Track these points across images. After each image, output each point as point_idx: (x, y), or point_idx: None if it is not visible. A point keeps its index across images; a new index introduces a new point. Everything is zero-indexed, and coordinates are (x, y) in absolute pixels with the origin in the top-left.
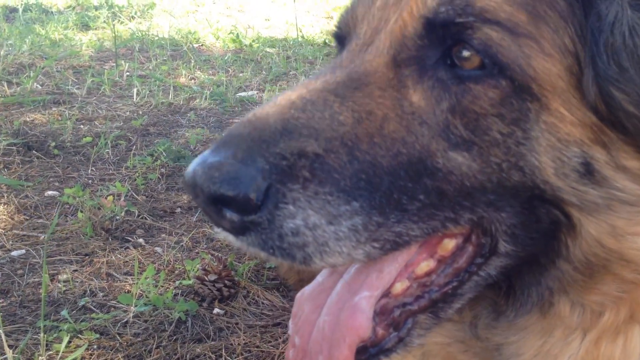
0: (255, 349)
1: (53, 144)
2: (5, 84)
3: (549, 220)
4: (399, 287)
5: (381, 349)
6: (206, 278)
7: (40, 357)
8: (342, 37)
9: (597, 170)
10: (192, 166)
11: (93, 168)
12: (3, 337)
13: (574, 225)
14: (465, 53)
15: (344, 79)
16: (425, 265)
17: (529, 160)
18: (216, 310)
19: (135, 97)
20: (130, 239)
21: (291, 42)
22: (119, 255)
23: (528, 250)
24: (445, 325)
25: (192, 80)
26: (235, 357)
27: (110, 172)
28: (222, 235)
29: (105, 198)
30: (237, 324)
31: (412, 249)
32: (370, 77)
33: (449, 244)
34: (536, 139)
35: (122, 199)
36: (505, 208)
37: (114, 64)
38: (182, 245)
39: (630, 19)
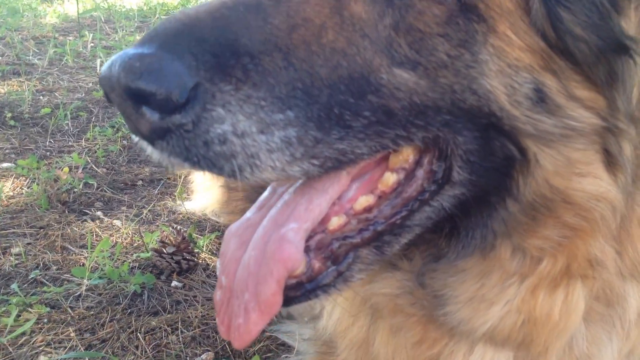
0: (212, 321)
1: (9, 115)
2: None
3: (503, 155)
4: (335, 222)
5: (318, 284)
6: (164, 251)
7: None
8: None
9: (549, 98)
10: (111, 59)
11: (51, 140)
12: None
13: (529, 161)
14: None
15: None
16: (365, 200)
17: (482, 84)
18: (174, 283)
19: (98, 68)
20: (88, 211)
21: None
22: (75, 229)
23: (481, 182)
24: (394, 275)
25: None
26: (192, 330)
27: (70, 143)
28: (141, 144)
29: (62, 170)
30: (195, 296)
31: (342, 181)
32: None
33: (390, 179)
34: (485, 63)
35: (80, 170)
36: (462, 131)
37: (78, 35)
38: (142, 217)
39: None
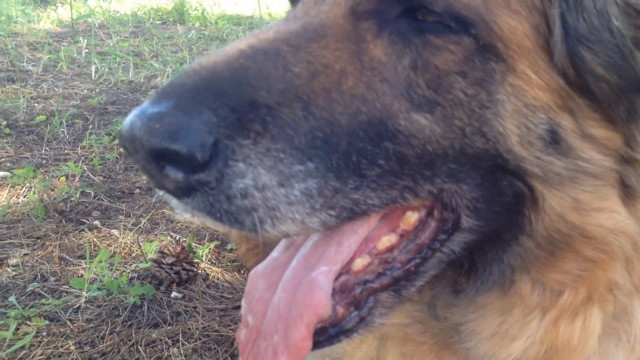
0: (214, 333)
1: (4, 122)
2: None
3: (511, 193)
4: (359, 263)
5: (341, 329)
6: (164, 261)
7: None
8: None
9: (563, 139)
10: (130, 118)
11: (47, 148)
12: None
13: (537, 198)
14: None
15: (298, 29)
16: (387, 240)
17: (493, 125)
18: (174, 294)
19: (93, 74)
20: (85, 220)
21: (258, 20)
22: (72, 238)
23: (491, 225)
24: (404, 306)
25: (155, 58)
26: (193, 342)
27: (66, 151)
28: (165, 197)
29: (58, 179)
30: (195, 307)
31: (372, 221)
32: (327, 29)
33: (412, 218)
34: (501, 103)
35: (77, 179)
36: (465, 180)
37: (72, 41)
38: (140, 227)
39: None
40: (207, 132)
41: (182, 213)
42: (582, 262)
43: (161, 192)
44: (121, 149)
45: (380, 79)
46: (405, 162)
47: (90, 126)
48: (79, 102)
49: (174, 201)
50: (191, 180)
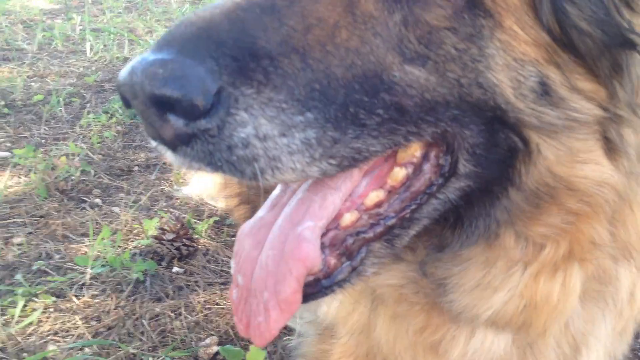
0: (215, 306)
1: (2, 102)
2: None
3: (507, 147)
4: (347, 218)
5: (334, 280)
6: (164, 237)
7: None
8: None
9: (553, 90)
10: (130, 65)
11: (46, 127)
12: None
13: (531, 151)
14: None
15: None
16: (375, 196)
17: (488, 77)
18: (175, 269)
19: (88, 52)
20: (86, 199)
21: None
22: (75, 217)
23: (486, 174)
24: (399, 267)
25: (149, 34)
26: (196, 315)
27: (64, 130)
28: (161, 150)
29: (59, 158)
30: (196, 282)
31: (355, 177)
32: None
33: (399, 174)
34: (492, 57)
35: (77, 158)
36: (469, 125)
37: (66, 18)
38: (140, 204)
39: None
40: (210, 79)
41: (179, 165)
42: (566, 215)
43: (156, 144)
44: (119, 127)
45: (372, 33)
46: (404, 111)
47: (88, 104)
48: (75, 80)
49: (169, 153)
50: (192, 127)
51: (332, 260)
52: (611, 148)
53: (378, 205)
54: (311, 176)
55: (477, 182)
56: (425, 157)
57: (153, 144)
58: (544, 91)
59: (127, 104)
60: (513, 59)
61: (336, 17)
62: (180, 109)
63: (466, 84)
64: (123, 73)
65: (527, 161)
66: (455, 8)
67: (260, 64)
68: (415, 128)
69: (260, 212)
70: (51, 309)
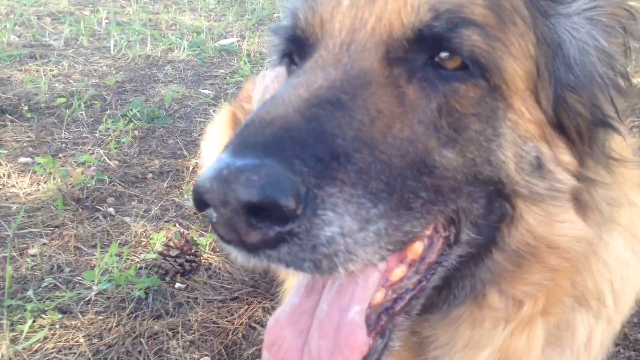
0: (212, 324)
1: (26, 107)
2: None
3: (499, 213)
4: (378, 297)
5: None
6: (168, 253)
7: (4, 339)
8: (302, 39)
9: (544, 164)
10: (211, 173)
11: (66, 132)
12: None
13: (515, 217)
14: (451, 55)
15: (343, 76)
16: (400, 271)
17: (497, 155)
18: (178, 285)
19: (112, 49)
20: (100, 208)
21: None
22: (87, 227)
23: (481, 240)
24: None
25: (173, 27)
26: (192, 334)
27: (84, 135)
28: (233, 254)
29: (75, 168)
30: (196, 298)
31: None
32: (370, 75)
33: (419, 248)
34: (503, 136)
35: (93, 167)
36: (478, 200)
37: (93, 9)
38: (152, 214)
39: (580, 40)
40: (300, 182)
41: (248, 263)
42: (547, 272)
43: (229, 247)
44: (136, 132)
45: (417, 120)
46: (439, 191)
47: (108, 107)
48: (97, 80)
49: (241, 254)
50: (282, 231)
51: (371, 341)
52: (582, 207)
53: (401, 280)
54: (372, 263)
55: (474, 248)
56: (435, 229)
57: (225, 247)
58: (538, 165)
59: (201, 207)
60: (518, 136)
61: (391, 107)
62: (273, 214)
63: (480, 163)
64: (207, 181)
65: (510, 225)
66: (481, 94)
67: (340, 162)
68: (443, 206)
69: (295, 299)
70: (57, 325)
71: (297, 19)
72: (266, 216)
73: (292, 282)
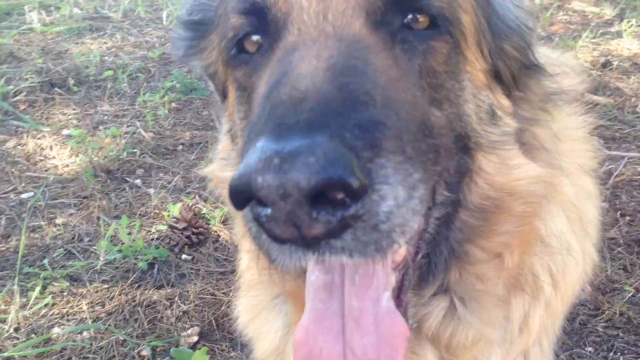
0: (209, 296)
1: (73, 81)
2: (43, 12)
3: (463, 170)
4: (393, 280)
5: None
6: (176, 226)
7: (14, 304)
8: (263, 13)
9: (494, 112)
10: (260, 163)
11: (109, 104)
12: None
13: (474, 170)
14: (421, 15)
15: (342, 44)
16: (403, 250)
17: (464, 109)
18: (184, 256)
19: (164, 20)
20: (128, 179)
21: None
22: (113, 198)
23: (453, 197)
24: None
25: None
26: (187, 304)
27: (125, 107)
28: (281, 256)
29: (105, 140)
30: (198, 270)
31: None
32: (365, 40)
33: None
34: (466, 89)
35: (126, 139)
36: (454, 157)
37: None
38: (175, 186)
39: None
40: (356, 157)
41: (303, 260)
42: (514, 220)
43: (279, 247)
44: (173, 104)
45: (412, 83)
46: (437, 151)
47: (151, 80)
48: (146, 52)
49: (293, 252)
50: (346, 216)
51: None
52: (528, 149)
53: (404, 258)
54: (414, 232)
55: (447, 208)
56: None
57: (272, 248)
58: (492, 113)
59: (242, 204)
60: (475, 87)
61: (394, 72)
62: (336, 199)
63: (453, 119)
64: (256, 174)
65: (470, 182)
66: (448, 50)
67: (380, 130)
68: (439, 167)
69: (318, 303)
70: (65, 293)
71: None
72: (327, 203)
73: (248, 273)
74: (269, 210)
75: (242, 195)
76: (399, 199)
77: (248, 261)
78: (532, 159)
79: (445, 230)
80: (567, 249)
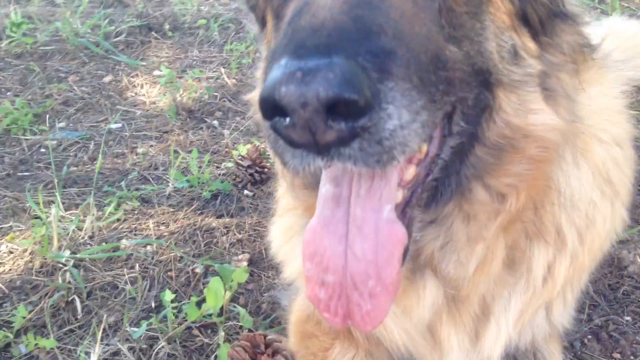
0: (262, 228)
1: (168, 26)
2: None
3: (483, 105)
4: (399, 196)
5: (406, 249)
6: (242, 163)
7: (92, 214)
8: None
9: (517, 52)
10: (285, 76)
11: (198, 50)
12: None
13: (494, 107)
14: None
15: None
16: (413, 170)
17: (485, 46)
18: (246, 192)
19: None
20: (207, 120)
21: None
22: (190, 135)
23: (470, 128)
24: None
25: None
26: (242, 234)
27: (213, 54)
28: (294, 159)
29: (188, 81)
30: (257, 205)
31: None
32: None
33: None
34: (488, 28)
35: (208, 84)
36: (473, 89)
37: None
38: (247, 128)
39: None
40: (366, 77)
41: (312, 165)
42: (526, 163)
43: (293, 151)
44: (257, 54)
45: (429, 20)
46: (451, 83)
47: (241, 30)
48: (239, 4)
49: (305, 156)
50: (356, 126)
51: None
52: (550, 96)
53: (414, 177)
54: (414, 152)
55: (463, 137)
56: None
57: (287, 151)
58: (515, 52)
59: (271, 115)
60: (497, 27)
61: (409, 6)
62: (348, 111)
63: (473, 55)
64: (281, 85)
65: (489, 118)
66: None
67: (390, 57)
68: (454, 98)
69: (326, 211)
70: (135, 211)
71: None
72: (340, 114)
73: (284, 200)
74: (287, 120)
75: (269, 104)
76: (402, 120)
77: (284, 190)
78: (553, 106)
79: (459, 164)
80: (592, 204)
